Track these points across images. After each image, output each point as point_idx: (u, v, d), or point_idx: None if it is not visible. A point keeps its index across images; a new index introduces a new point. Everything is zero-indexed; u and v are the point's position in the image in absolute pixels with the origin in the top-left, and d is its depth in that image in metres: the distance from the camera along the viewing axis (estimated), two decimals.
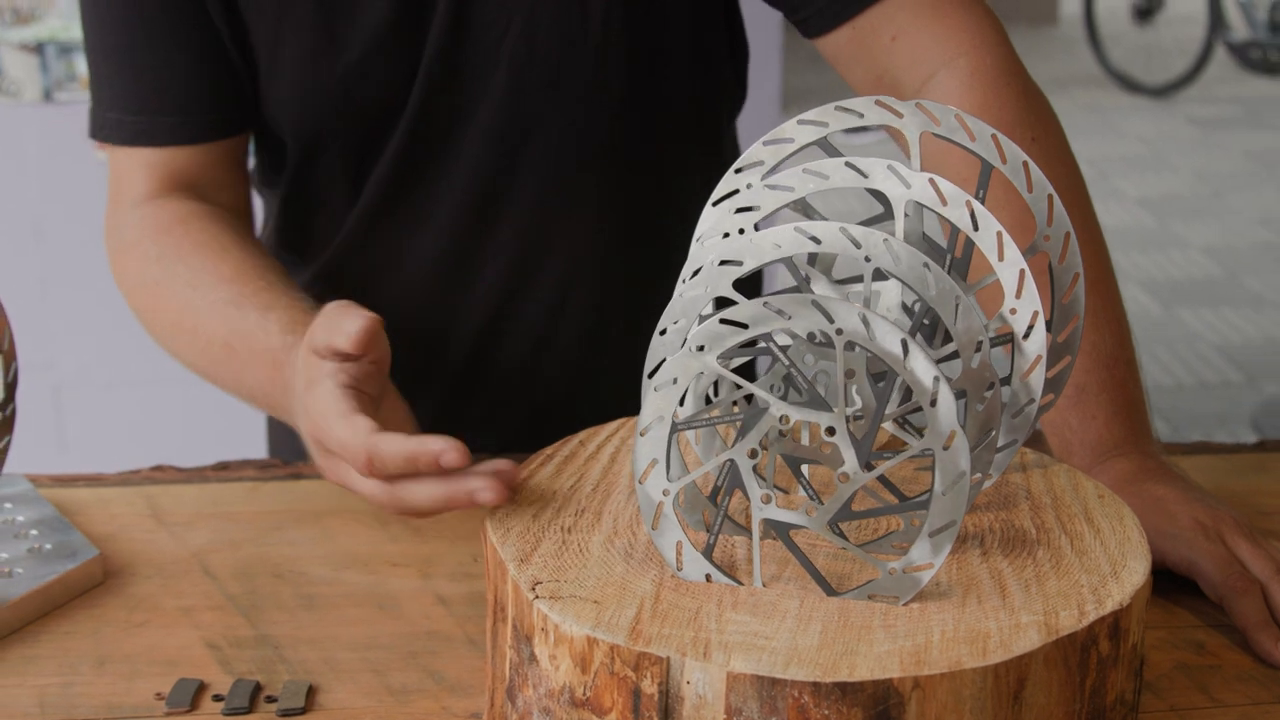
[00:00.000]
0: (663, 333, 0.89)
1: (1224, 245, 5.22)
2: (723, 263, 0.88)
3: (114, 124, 1.26)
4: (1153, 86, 7.33)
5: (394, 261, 1.29)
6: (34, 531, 1.07)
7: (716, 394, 0.91)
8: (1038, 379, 0.89)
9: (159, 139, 1.25)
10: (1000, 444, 0.90)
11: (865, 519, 0.87)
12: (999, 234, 0.89)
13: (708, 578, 0.83)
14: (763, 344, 0.85)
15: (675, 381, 0.83)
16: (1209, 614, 1.01)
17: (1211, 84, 7.44)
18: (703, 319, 0.88)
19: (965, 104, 1.10)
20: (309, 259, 1.33)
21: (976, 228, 0.89)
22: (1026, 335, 0.89)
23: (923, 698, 0.75)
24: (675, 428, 0.83)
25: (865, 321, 0.80)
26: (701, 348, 0.82)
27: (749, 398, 0.88)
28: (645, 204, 1.30)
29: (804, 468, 0.88)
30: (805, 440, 0.85)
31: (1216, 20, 7.51)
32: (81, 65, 2.66)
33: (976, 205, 0.89)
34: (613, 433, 1.01)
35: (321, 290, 1.32)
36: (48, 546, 1.05)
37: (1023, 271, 0.88)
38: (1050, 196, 0.92)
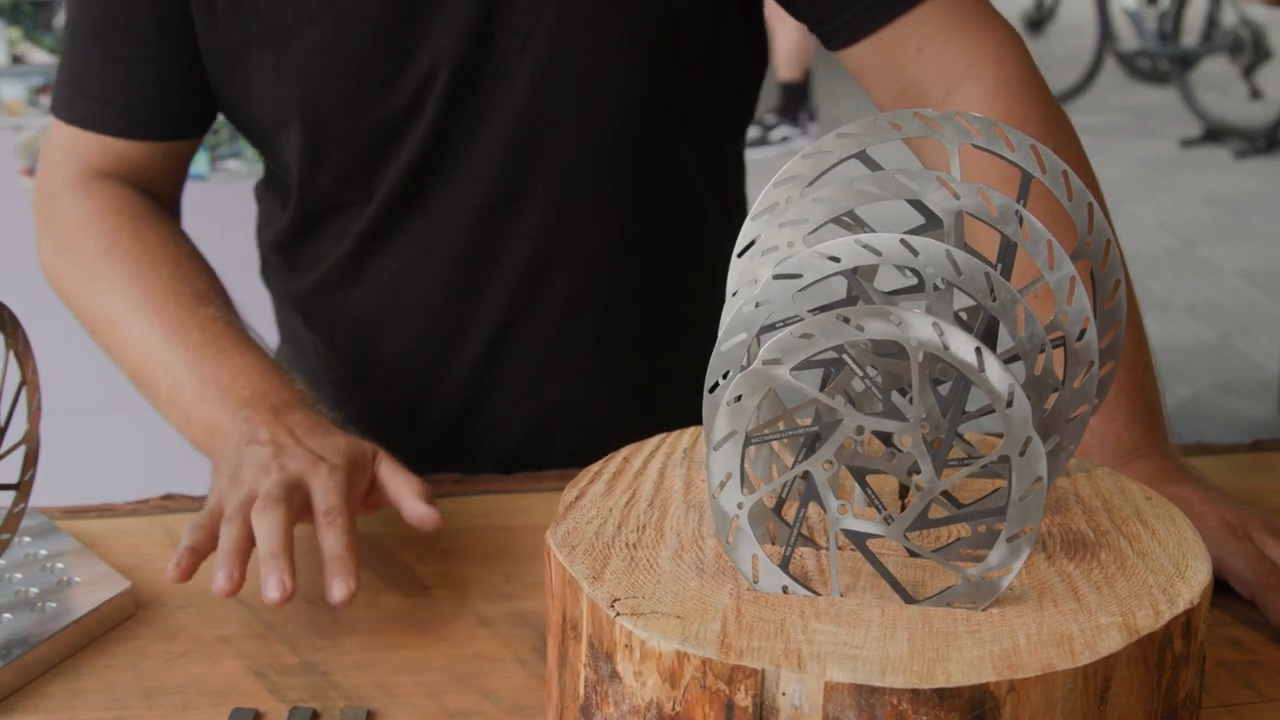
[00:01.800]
0: (723, 348, 0.89)
1: (1124, 251, 5.32)
2: (779, 276, 0.88)
3: (66, 102, 1.27)
4: None
5: (406, 267, 1.29)
6: (59, 564, 1.06)
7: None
8: (1090, 384, 0.91)
9: (108, 128, 1.25)
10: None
11: (928, 528, 0.88)
12: (1049, 242, 0.90)
13: (784, 590, 0.84)
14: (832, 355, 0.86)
15: (748, 395, 0.83)
16: (1239, 611, 1.03)
17: (1102, 93, 7.59)
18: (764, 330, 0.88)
19: (990, 115, 1.11)
20: (313, 266, 1.33)
21: (1027, 237, 0.90)
22: (1078, 340, 0.90)
23: (1017, 701, 0.76)
24: (749, 441, 0.84)
25: (939, 331, 0.81)
26: (774, 360, 0.83)
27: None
28: (657, 209, 1.31)
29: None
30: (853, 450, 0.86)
31: (1106, 31, 7.66)
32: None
33: (1026, 214, 0.90)
34: (655, 448, 1.01)
35: (326, 299, 1.31)
36: (77, 579, 1.04)
37: (1073, 278, 0.90)
38: (1090, 205, 0.94)
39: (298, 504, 1.01)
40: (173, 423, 1.17)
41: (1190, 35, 7.52)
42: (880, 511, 0.87)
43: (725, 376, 0.88)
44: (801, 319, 0.89)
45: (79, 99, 1.23)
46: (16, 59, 2.69)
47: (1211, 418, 4.01)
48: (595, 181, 1.26)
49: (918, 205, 0.95)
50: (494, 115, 1.22)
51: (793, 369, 0.83)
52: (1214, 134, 6.79)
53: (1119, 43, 7.83)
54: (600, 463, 0.99)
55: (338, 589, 0.96)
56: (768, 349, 0.83)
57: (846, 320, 0.82)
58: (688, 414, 1.37)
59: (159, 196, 1.28)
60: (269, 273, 1.42)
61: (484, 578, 1.08)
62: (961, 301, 0.91)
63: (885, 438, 0.89)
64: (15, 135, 2.72)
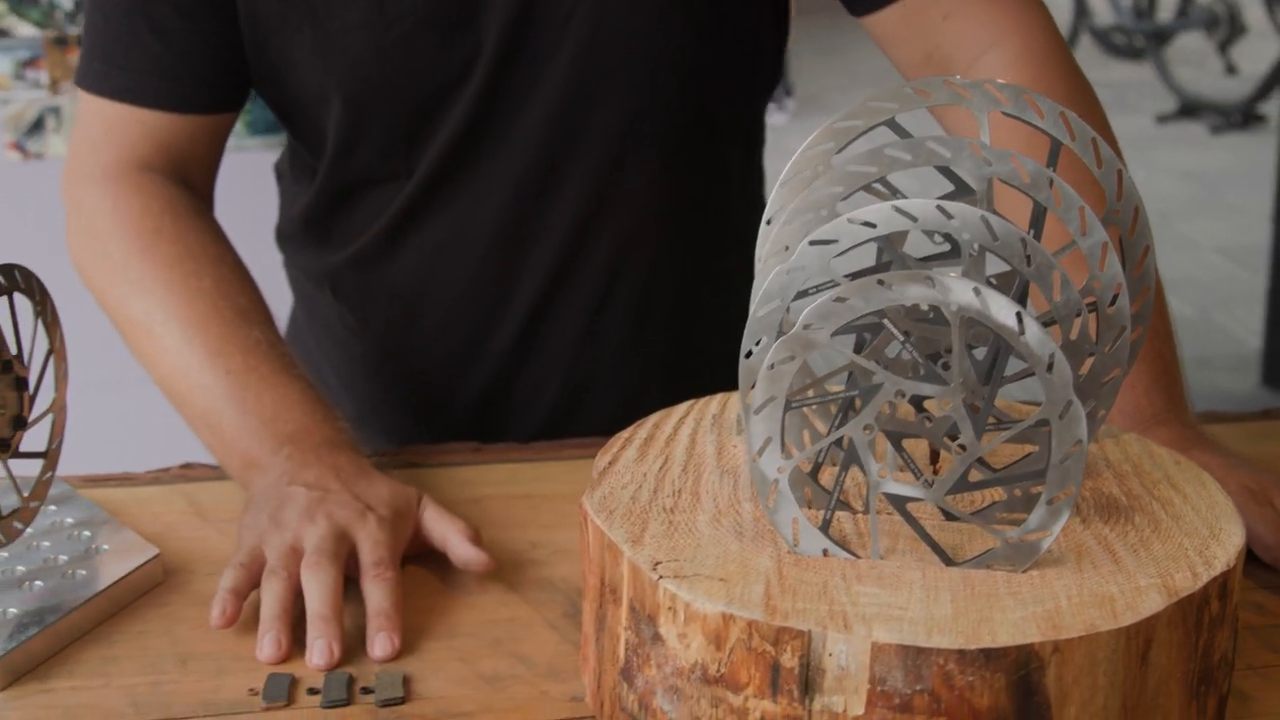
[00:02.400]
0: (759, 313, 0.90)
1: None
2: (814, 242, 0.89)
3: (99, 74, 1.22)
4: None
5: (445, 242, 1.28)
6: (86, 533, 1.06)
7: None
8: (1122, 349, 0.91)
9: (145, 100, 1.22)
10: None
11: (966, 492, 0.89)
12: (1082, 209, 0.90)
13: (824, 552, 0.85)
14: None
15: (787, 360, 0.84)
16: (1262, 576, 1.05)
17: None
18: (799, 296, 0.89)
19: (1016, 83, 1.12)
20: (347, 240, 1.32)
21: (1059, 203, 0.90)
22: (1110, 306, 0.91)
23: (1061, 661, 0.77)
24: (789, 405, 0.84)
25: (980, 295, 0.82)
26: (814, 325, 0.83)
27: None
28: (692, 178, 1.31)
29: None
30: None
31: (1081, 6, 7.68)
32: None
33: (1059, 181, 0.91)
34: (684, 415, 1.02)
35: (361, 273, 1.30)
36: (105, 547, 1.04)
37: (1105, 244, 0.90)
38: (1119, 172, 0.94)
39: (344, 557, 1.00)
40: (204, 442, 1.14)
41: (1165, 11, 7.55)
42: (917, 476, 0.87)
43: (759, 342, 0.88)
44: (837, 284, 0.89)
45: (114, 72, 1.20)
46: (3, 32, 2.68)
47: (1192, 392, 4.02)
48: (635, 154, 1.26)
49: (947, 172, 0.96)
50: (538, 89, 1.21)
51: (832, 334, 0.83)
52: (1189, 109, 6.82)
53: (1094, 18, 7.85)
54: (630, 429, 1.00)
55: (381, 646, 0.95)
56: (808, 314, 0.84)
57: (886, 285, 0.83)
58: (715, 385, 1.38)
59: (195, 182, 1.26)
60: (292, 247, 1.41)
61: (510, 545, 1.08)
62: (991, 268, 0.91)
63: (917, 403, 0.89)
64: (2, 109, 2.70)
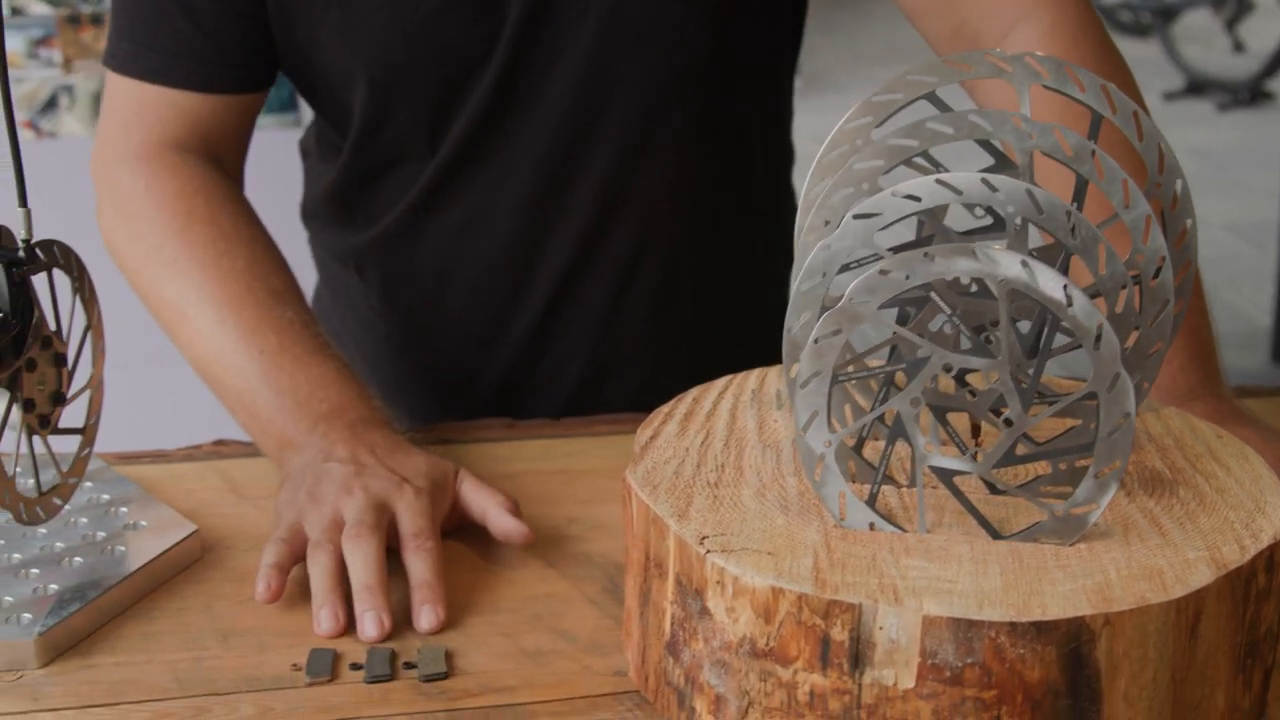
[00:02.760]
0: (803, 288, 0.89)
1: None
2: (858, 216, 0.88)
3: (128, 55, 1.22)
4: None
5: (470, 220, 1.28)
6: (123, 509, 1.06)
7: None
8: (1165, 322, 0.91)
9: (175, 80, 1.22)
10: None
11: (1013, 465, 0.88)
12: (1125, 182, 0.90)
13: (871, 526, 0.84)
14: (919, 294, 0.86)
15: (834, 333, 0.84)
16: None
17: None
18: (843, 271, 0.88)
19: (1049, 55, 1.11)
20: (370, 222, 1.32)
21: (1102, 176, 0.90)
22: (1154, 279, 0.91)
23: (1112, 634, 0.77)
24: (836, 379, 0.84)
25: (1027, 268, 0.82)
26: (861, 299, 0.83)
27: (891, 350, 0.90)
28: (716, 153, 1.31)
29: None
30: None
31: None
32: None
33: (1102, 154, 0.90)
34: (723, 389, 1.01)
35: (385, 252, 1.30)
36: (143, 523, 1.04)
37: (1149, 217, 0.90)
38: (1161, 145, 0.94)
39: (385, 528, 1.00)
40: (239, 422, 1.14)
41: None
42: (963, 450, 0.87)
43: (803, 317, 0.88)
44: (880, 258, 0.89)
45: (144, 52, 1.20)
46: (16, 10, 2.67)
47: None
48: (659, 129, 1.26)
49: (986, 146, 0.96)
50: (560, 66, 1.21)
51: (879, 307, 0.83)
52: (1197, 87, 6.80)
53: None
54: (670, 404, 0.99)
55: (426, 618, 0.95)
56: (854, 288, 0.83)
57: (932, 258, 0.83)
58: (738, 361, 1.38)
59: (226, 162, 1.25)
60: (317, 226, 1.41)
61: (546, 521, 1.08)
62: (1032, 242, 0.91)
63: (959, 377, 0.89)
64: (15, 87, 2.69)
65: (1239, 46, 7.15)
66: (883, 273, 0.83)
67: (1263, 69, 6.62)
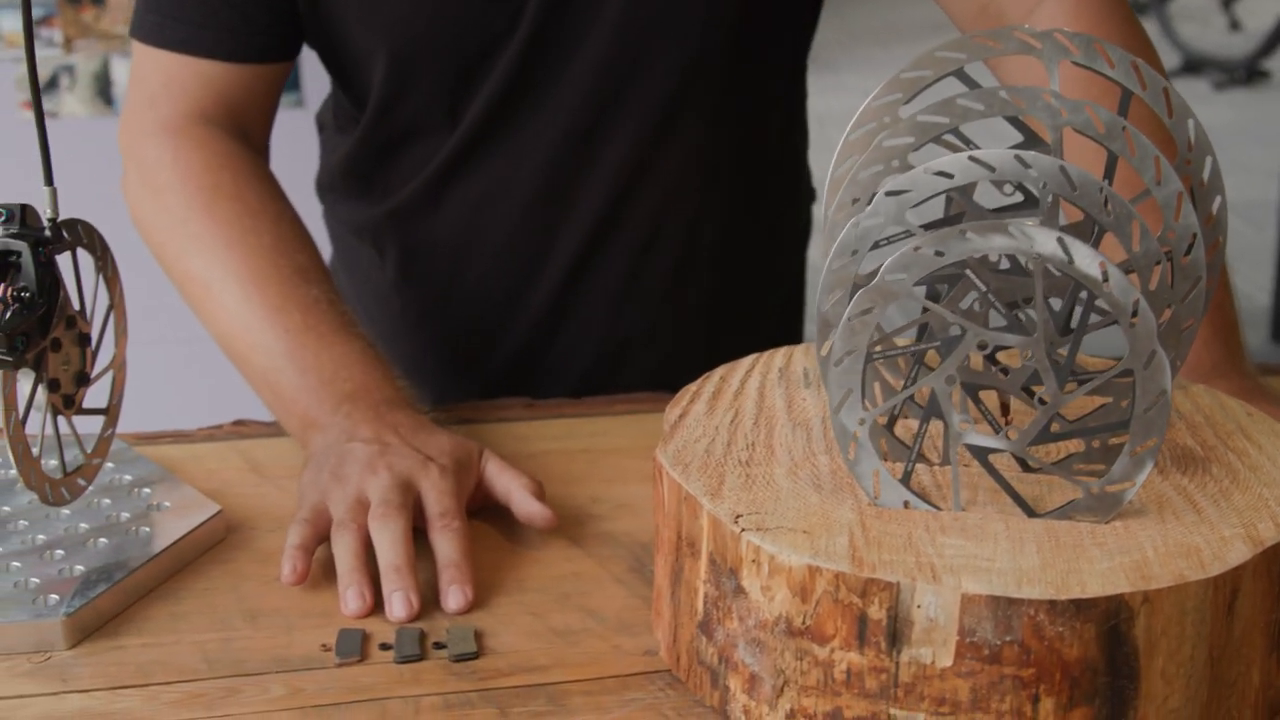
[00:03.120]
0: (834, 265, 0.89)
1: None
2: (890, 193, 0.88)
3: (155, 26, 1.22)
4: None
5: (489, 194, 1.27)
6: (145, 490, 1.05)
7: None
8: (1197, 299, 0.91)
9: (202, 50, 1.21)
10: None
11: (1048, 443, 0.88)
12: (1157, 158, 0.90)
13: (906, 505, 0.84)
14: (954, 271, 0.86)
15: (869, 311, 0.83)
16: None
17: None
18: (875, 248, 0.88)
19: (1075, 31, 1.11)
20: (389, 192, 1.31)
21: (1134, 153, 0.90)
22: (1186, 256, 0.90)
23: (1150, 612, 0.76)
24: (870, 358, 0.84)
25: (1063, 245, 0.81)
26: (897, 276, 0.83)
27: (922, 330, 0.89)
28: (734, 130, 1.30)
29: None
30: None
31: None
32: None
33: (1134, 130, 0.90)
34: (750, 368, 1.01)
35: (403, 225, 1.30)
36: (166, 504, 1.03)
37: (1180, 194, 0.90)
38: (1191, 122, 0.94)
39: (411, 507, 0.99)
40: (264, 400, 1.14)
41: None
42: (996, 429, 0.87)
43: (834, 295, 0.88)
44: (912, 235, 0.89)
45: (171, 23, 1.20)
46: None
47: None
48: (680, 108, 1.25)
49: (1015, 123, 0.95)
50: (583, 44, 1.21)
51: (914, 284, 0.83)
52: (1193, 66, 6.80)
53: None
54: (697, 382, 0.99)
55: (454, 598, 0.94)
56: (889, 265, 0.83)
57: (968, 235, 0.82)
58: (755, 338, 1.38)
59: (252, 134, 1.25)
60: (333, 198, 1.40)
61: (571, 500, 1.08)
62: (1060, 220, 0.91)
63: (990, 355, 0.89)
64: (15, 67, 2.68)
65: (1235, 25, 7.14)
66: (917, 250, 0.82)
67: (1259, 48, 6.62)
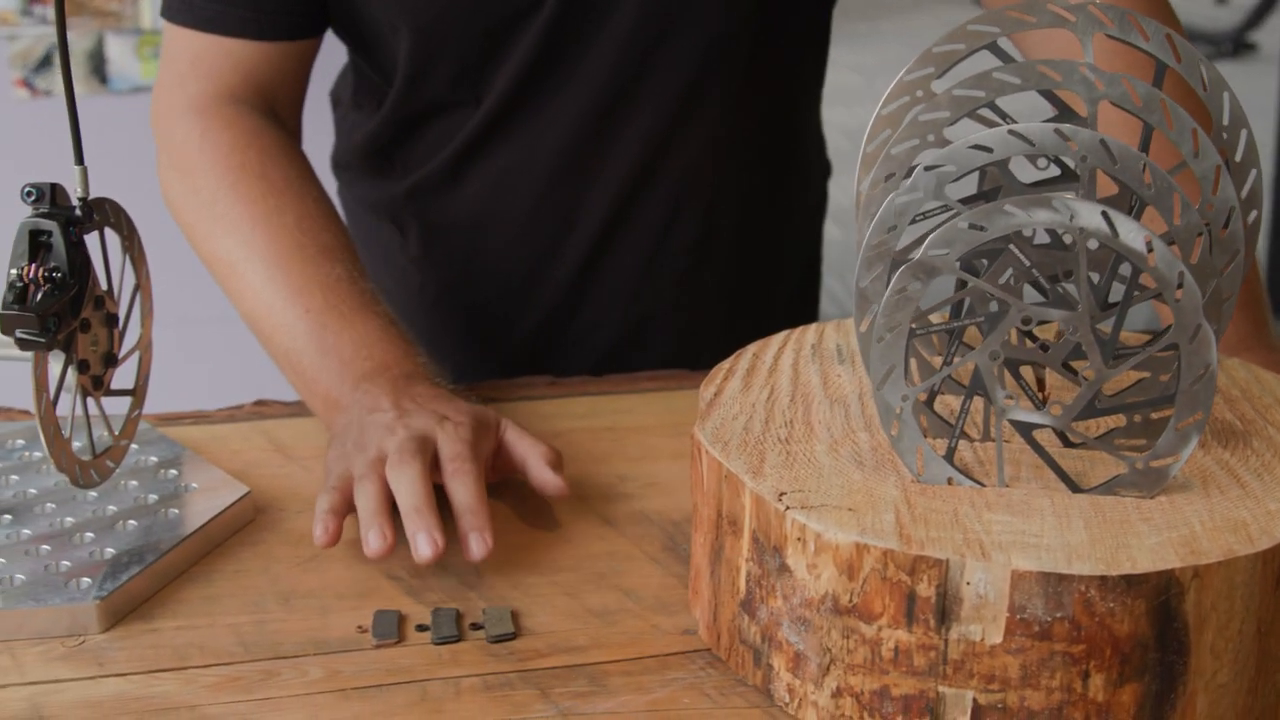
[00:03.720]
0: (873, 240, 0.88)
1: None
2: (929, 168, 0.87)
3: (184, 6, 1.21)
4: None
5: (511, 170, 1.27)
6: (172, 471, 1.04)
7: None
8: (1235, 273, 0.90)
9: (231, 29, 1.21)
10: None
11: (1087, 420, 0.88)
12: (1194, 131, 0.89)
13: (949, 481, 0.84)
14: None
15: (912, 287, 0.83)
16: None
17: None
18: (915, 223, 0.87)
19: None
20: (410, 169, 1.30)
21: (1172, 126, 0.89)
22: (1224, 229, 0.90)
23: (1200, 586, 0.76)
24: (913, 334, 0.83)
25: (1108, 219, 0.81)
26: (940, 252, 0.82)
27: (957, 308, 0.89)
28: (755, 107, 1.30)
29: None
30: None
31: None
32: None
33: (1171, 103, 0.89)
34: (782, 345, 1.01)
35: (424, 202, 1.29)
36: (194, 485, 1.02)
37: (1219, 167, 0.89)
38: (1226, 95, 0.93)
39: (428, 457, 0.98)
40: (289, 380, 1.13)
41: None
42: (1036, 405, 0.87)
43: (873, 269, 0.87)
44: (949, 209, 0.88)
45: (199, 3, 1.19)
46: None
47: None
48: (704, 84, 1.25)
49: (1049, 96, 0.95)
50: (608, 21, 1.20)
51: (956, 260, 0.82)
52: None
53: None
54: (730, 360, 0.98)
55: (475, 545, 0.93)
56: (932, 240, 0.82)
57: (1011, 210, 0.82)
58: (774, 315, 1.37)
59: (282, 113, 1.24)
60: (350, 176, 1.39)
61: (598, 479, 1.08)
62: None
63: (1025, 331, 0.88)
64: (9, 45, 2.66)
65: None
66: (964, 225, 0.82)
67: (1245, 20, 6.62)
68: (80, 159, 0.89)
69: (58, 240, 0.88)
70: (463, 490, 0.96)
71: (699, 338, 1.36)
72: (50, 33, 2.65)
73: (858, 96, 5.63)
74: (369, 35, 1.25)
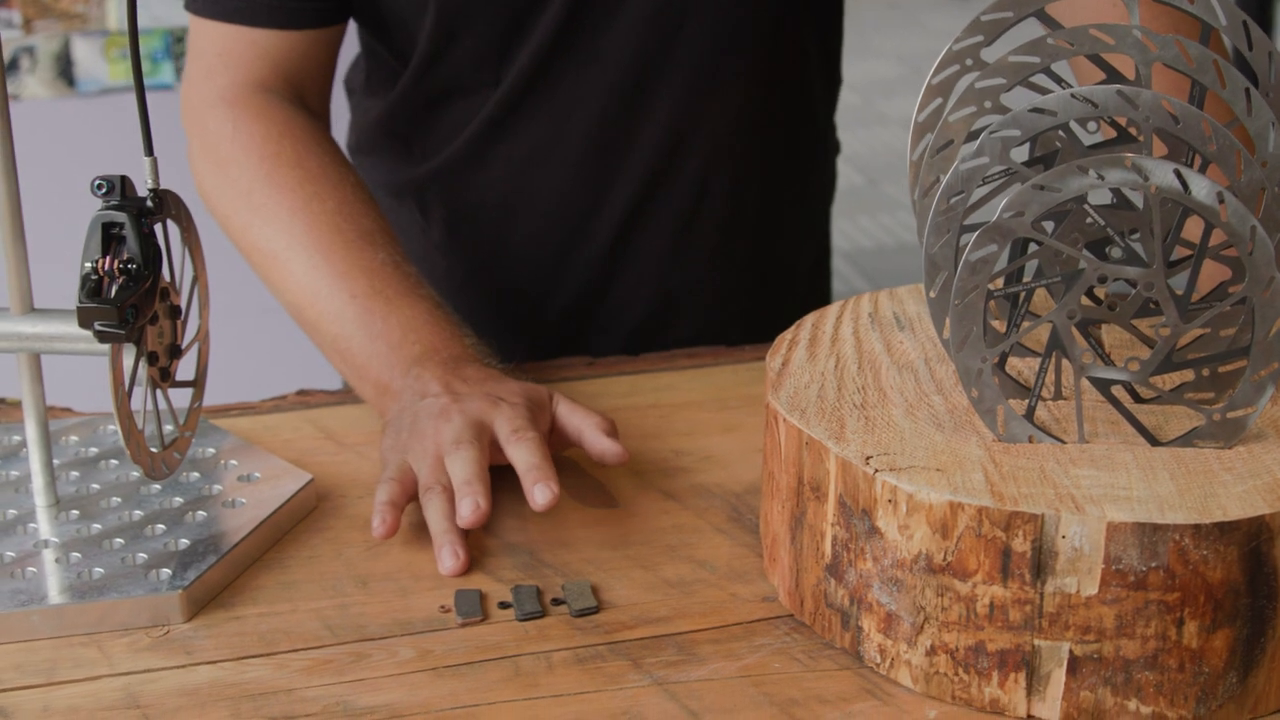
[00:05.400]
0: (942, 205, 0.90)
1: None
2: (994, 133, 0.89)
3: None
4: None
5: (535, 151, 1.27)
6: (233, 461, 1.04)
7: None
8: None
9: (258, 19, 1.21)
10: None
11: (1161, 374, 0.89)
12: (1247, 90, 0.91)
13: (1030, 439, 0.85)
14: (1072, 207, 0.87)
15: (990, 250, 0.84)
16: None
17: None
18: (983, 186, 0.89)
19: None
20: (433, 151, 1.30)
21: (1225, 86, 0.91)
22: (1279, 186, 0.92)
23: None
24: (991, 295, 0.85)
25: (1180, 176, 0.82)
26: (1016, 214, 0.83)
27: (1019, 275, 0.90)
28: (780, 82, 1.31)
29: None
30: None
31: None
32: None
33: (1224, 63, 0.91)
34: (839, 315, 1.02)
35: (448, 184, 1.29)
36: (257, 475, 1.03)
37: (1272, 124, 0.91)
38: (1271, 53, 0.95)
39: (486, 442, 0.99)
40: (337, 368, 1.13)
41: None
42: (1105, 361, 0.88)
43: (940, 232, 0.88)
44: (1012, 173, 0.90)
45: None
46: None
47: None
48: (728, 62, 1.25)
49: (1098, 60, 0.96)
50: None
51: (1032, 221, 0.84)
52: None
53: None
54: (791, 331, 1.00)
55: (540, 494, 0.94)
56: (1008, 203, 0.84)
57: (1085, 170, 0.83)
58: (800, 292, 1.39)
59: (310, 101, 1.24)
60: (369, 161, 1.39)
61: (653, 455, 1.08)
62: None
63: (1089, 290, 0.90)
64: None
65: None
66: (1036, 187, 0.83)
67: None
68: (149, 150, 0.89)
69: (130, 232, 0.88)
70: (524, 452, 0.97)
71: (725, 314, 1.37)
72: (16, 37, 2.63)
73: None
74: (389, 16, 1.25)
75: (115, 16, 2.67)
